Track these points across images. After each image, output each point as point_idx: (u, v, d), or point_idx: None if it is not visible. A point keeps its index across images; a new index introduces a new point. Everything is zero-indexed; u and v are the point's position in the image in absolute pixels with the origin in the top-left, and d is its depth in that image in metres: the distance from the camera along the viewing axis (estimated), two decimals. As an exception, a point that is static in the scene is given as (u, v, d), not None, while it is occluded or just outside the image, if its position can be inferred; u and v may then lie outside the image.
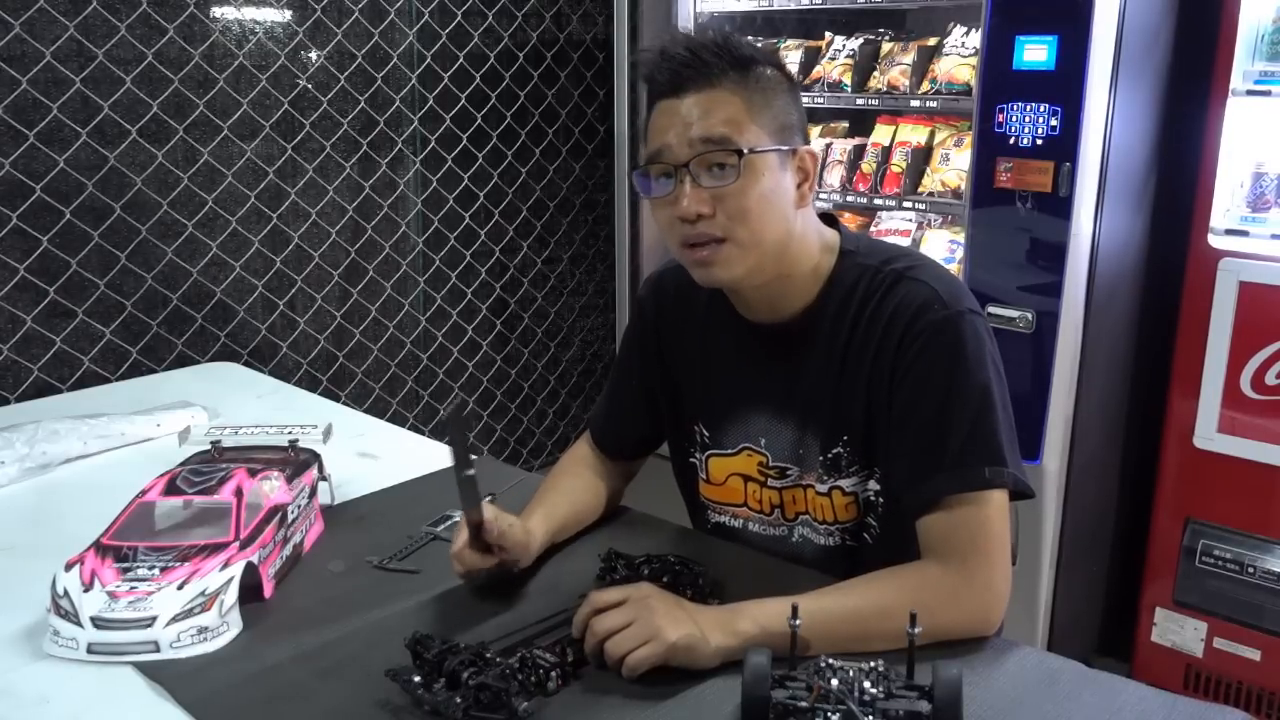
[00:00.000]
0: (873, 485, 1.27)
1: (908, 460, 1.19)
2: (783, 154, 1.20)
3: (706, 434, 1.38)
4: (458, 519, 1.48)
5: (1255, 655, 2.20)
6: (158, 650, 1.12)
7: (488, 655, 1.03)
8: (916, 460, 1.18)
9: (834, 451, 1.27)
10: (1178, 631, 2.31)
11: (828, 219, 1.33)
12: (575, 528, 1.41)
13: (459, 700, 0.99)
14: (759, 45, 1.24)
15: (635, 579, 1.21)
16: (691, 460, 1.42)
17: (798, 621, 0.99)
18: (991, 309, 2.16)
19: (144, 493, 1.30)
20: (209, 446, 1.46)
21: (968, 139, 2.36)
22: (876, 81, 2.61)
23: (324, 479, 1.51)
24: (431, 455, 1.76)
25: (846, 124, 2.87)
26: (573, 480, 1.46)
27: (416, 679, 1.02)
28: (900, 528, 1.22)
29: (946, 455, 1.15)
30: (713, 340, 1.36)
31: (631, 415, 1.47)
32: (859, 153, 2.69)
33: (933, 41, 2.53)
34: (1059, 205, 2.12)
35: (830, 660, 0.97)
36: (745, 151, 1.16)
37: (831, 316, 1.25)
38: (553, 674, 1.05)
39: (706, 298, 1.35)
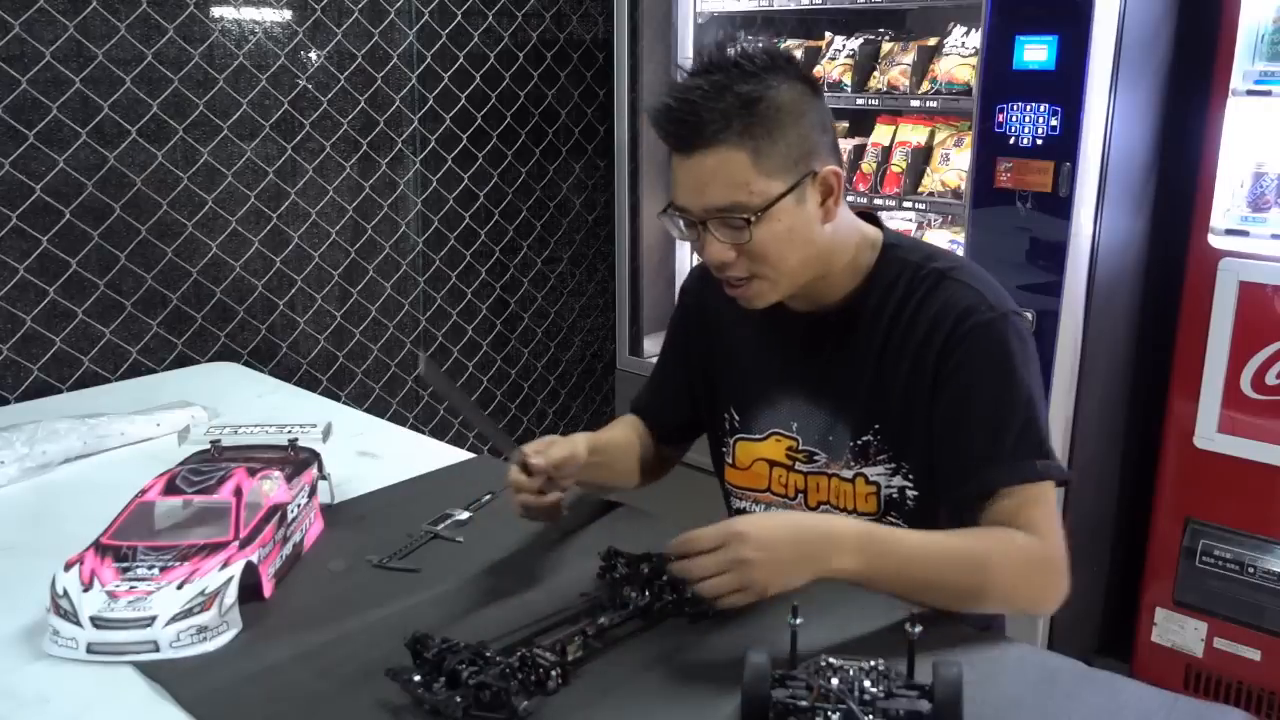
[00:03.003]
0: (897, 481, 1.29)
1: (961, 457, 1.22)
2: (799, 188, 1.20)
3: (737, 419, 1.41)
4: (458, 517, 1.49)
5: (1255, 655, 2.20)
6: (157, 650, 1.12)
7: (487, 654, 1.03)
8: (972, 456, 1.21)
9: (864, 439, 1.30)
10: (1178, 631, 2.31)
11: (868, 217, 1.35)
12: (617, 454, 1.45)
13: (459, 700, 0.99)
14: (773, 50, 1.21)
15: (635, 577, 1.21)
16: (723, 448, 1.45)
17: (798, 621, 0.99)
18: (991, 309, 2.16)
19: (143, 492, 1.30)
20: (209, 446, 1.46)
21: (968, 139, 2.36)
22: (876, 81, 2.61)
23: (324, 478, 1.51)
24: (431, 454, 1.76)
25: (846, 124, 2.87)
26: (612, 426, 1.53)
27: (416, 678, 1.02)
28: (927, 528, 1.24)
29: (1002, 451, 1.19)
30: (752, 327, 1.39)
31: (673, 401, 1.52)
32: (859, 153, 2.69)
33: (933, 41, 2.53)
34: (1059, 205, 2.12)
35: (830, 660, 0.97)
36: (753, 218, 1.18)
37: (872, 308, 1.28)
38: (553, 673, 1.05)
39: None
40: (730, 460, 1.43)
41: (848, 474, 1.32)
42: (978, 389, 1.22)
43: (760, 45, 1.21)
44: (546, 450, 1.32)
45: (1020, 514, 1.19)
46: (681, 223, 1.25)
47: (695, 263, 3.02)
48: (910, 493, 1.29)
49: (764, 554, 1.09)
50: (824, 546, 1.13)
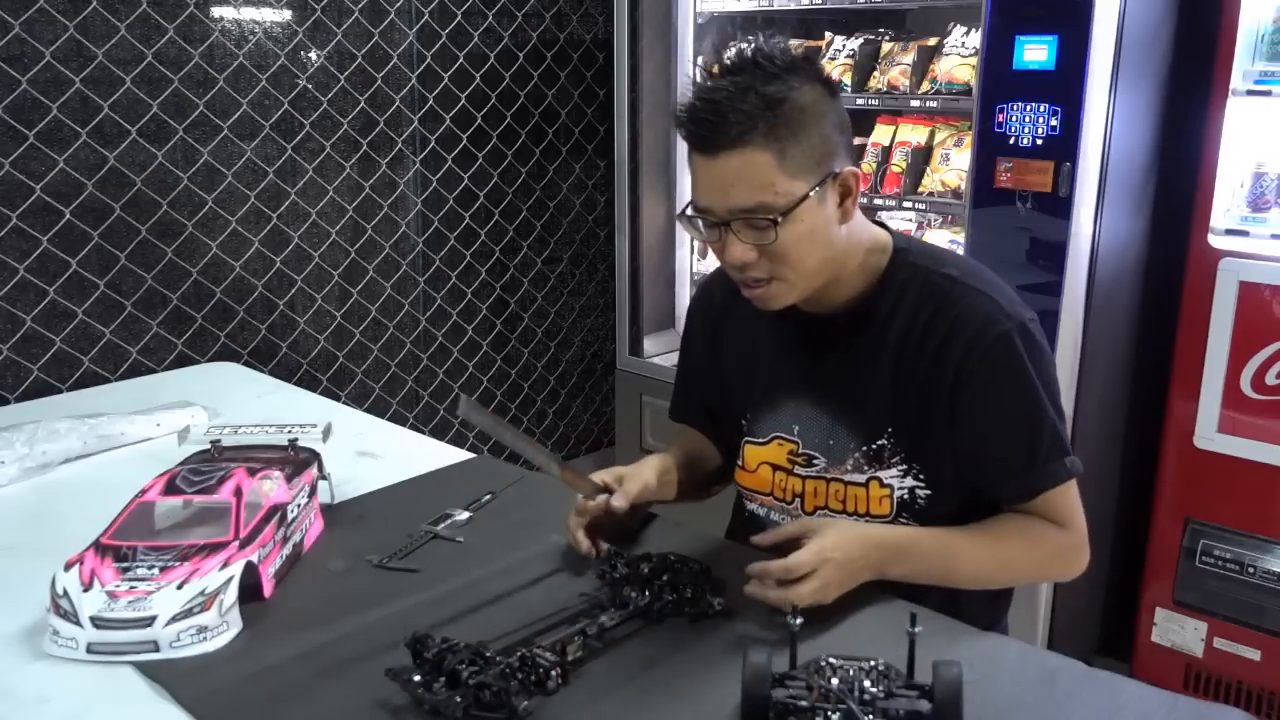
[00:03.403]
0: (909, 482, 1.30)
1: (995, 466, 1.28)
2: (821, 188, 1.20)
3: (745, 423, 1.42)
4: (458, 517, 1.49)
5: (1255, 655, 2.20)
6: (157, 650, 1.12)
7: (487, 655, 1.03)
8: (1007, 466, 1.27)
9: (879, 443, 1.30)
10: (1178, 631, 2.31)
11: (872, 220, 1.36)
12: (682, 473, 1.45)
13: (459, 700, 0.99)
14: (792, 50, 1.22)
15: (635, 577, 1.21)
16: (737, 451, 1.45)
17: (799, 621, 0.99)
18: (991, 309, 2.16)
19: (144, 492, 1.30)
20: (209, 446, 1.46)
21: (968, 139, 2.36)
22: (876, 81, 2.61)
23: (324, 478, 1.51)
24: (431, 454, 1.76)
25: (846, 124, 2.87)
26: (671, 444, 1.52)
27: (416, 678, 1.02)
28: (938, 525, 1.28)
29: (1035, 460, 1.26)
30: (758, 332, 1.40)
31: (700, 416, 1.54)
32: (859, 153, 2.69)
33: (933, 41, 2.52)
34: (1059, 205, 2.12)
35: (830, 659, 0.97)
36: (779, 219, 1.18)
37: (883, 313, 1.29)
38: (553, 673, 1.05)
39: None
40: (741, 463, 1.43)
41: (860, 478, 1.32)
42: (1005, 402, 1.25)
43: (779, 46, 1.21)
44: (624, 486, 1.32)
45: (1049, 509, 1.28)
46: (702, 224, 1.24)
47: (697, 264, 3.04)
48: (921, 493, 1.30)
49: (845, 572, 1.19)
50: (883, 556, 1.22)
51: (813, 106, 1.19)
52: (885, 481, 1.30)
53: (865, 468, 1.31)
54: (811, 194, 1.19)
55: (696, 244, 3.06)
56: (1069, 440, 1.29)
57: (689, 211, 1.25)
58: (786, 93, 1.17)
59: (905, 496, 1.30)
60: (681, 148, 2.97)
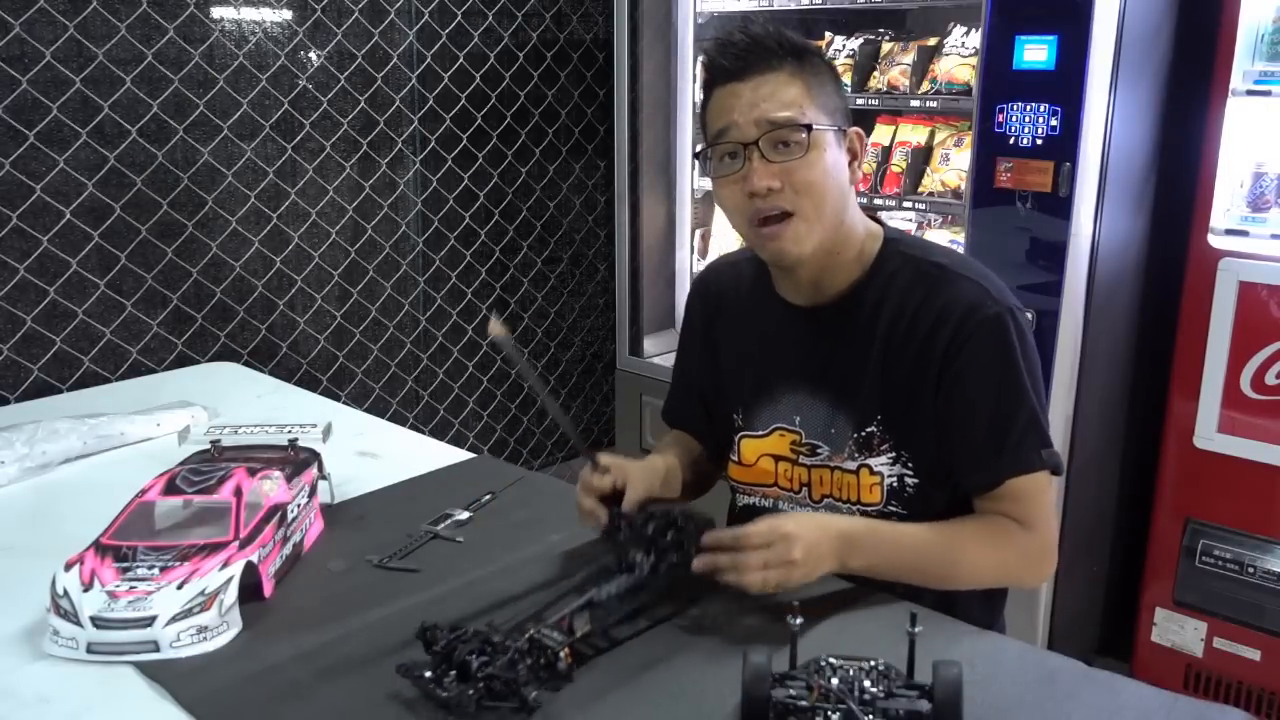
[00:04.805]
0: (897, 470, 1.31)
1: (972, 450, 1.27)
2: (838, 133, 1.27)
3: (740, 417, 1.42)
4: (458, 517, 1.49)
5: (1255, 655, 2.20)
6: (157, 650, 1.12)
7: (495, 639, 1.03)
8: (981, 447, 1.27)
9: (867, 430, 1.31)
10: (1178, 631, 2.31)
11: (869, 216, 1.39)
12: (681, 475, 1.45)
13: (471, 693, 0.99)
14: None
15: (639, 539, 1.20)
16: (730, 447, 1.45)
17: (799, 621, 0.99)
18: (991, 309, 2.16)
19: (144, 492, 1.30)
20: (209, 446, 1.46)
21: (968, 139, 2.36)
22: (876, 81, 2.61)
23: (324, 478, 1.51)
24: (432, 454, 1.76)
25: (846, 124, 2.87)
26: (668, 445, 1.52)
27: (427, 674, 1.02)
28: (928, 516, 1.28)
29: (1008, 442, 1.25)
30: (753, 325, 1.42)
31: (695, 416, 1.54)
32: (859, 153, 2.69)
33: (933, 41, 2.52)
34: (1059, 205, 2.12)
35: (830, 660, 0.97)
36: (812, 127, 1.22)
37: (873, 301, 1.31)
38: (561, 654, 1.04)
39: (749, 286, 1.42)
40: (736, 458, 1.44)
41: (851, 465, 1.33)
42: (987, 385, 1.25)
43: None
44: (629, 495, 1.29)
45: (1018, 506, 1.27)
46: (712, 165, 1.27)
47: (697, 264, 3.04)
48: (910, 480, 1.31)
49: (806, 554, 1.16)
50: (842, 546, 1.21)
51: (826, 71, 1.29)
52: (875, 469, 1.31)
53: (856, 455, 1.32)
54: (832, 131, 1.25)
55: (697, 244, 3.06)
56: (1048, 434, 1.28)
57: (709, 150, 1.28)
58: (808, 52, 1.28)
59: (895, 484, 1.31)
60: (683, 148, 2.98)
